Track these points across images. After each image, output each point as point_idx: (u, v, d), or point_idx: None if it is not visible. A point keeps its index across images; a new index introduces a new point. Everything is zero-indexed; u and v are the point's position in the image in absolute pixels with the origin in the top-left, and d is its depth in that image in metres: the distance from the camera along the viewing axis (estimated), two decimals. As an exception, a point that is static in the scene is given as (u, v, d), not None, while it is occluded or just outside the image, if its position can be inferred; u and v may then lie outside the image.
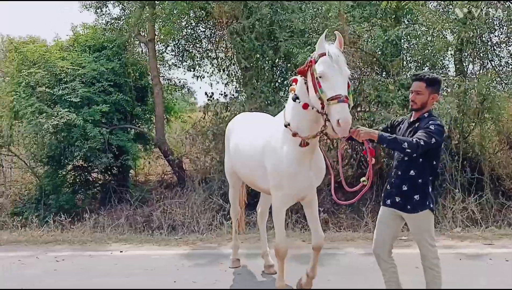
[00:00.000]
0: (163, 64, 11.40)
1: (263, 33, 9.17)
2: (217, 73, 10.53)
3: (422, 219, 3.64)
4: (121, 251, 5.92)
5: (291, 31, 9.03)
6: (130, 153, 9.33)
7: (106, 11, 10.43)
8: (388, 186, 3.84)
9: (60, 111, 8.47)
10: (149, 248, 6.09)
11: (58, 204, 9.17)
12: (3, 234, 7.18)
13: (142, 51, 10.66)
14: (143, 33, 10.14)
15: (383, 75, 8.63)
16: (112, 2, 10.39)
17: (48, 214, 8.89)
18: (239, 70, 10.02)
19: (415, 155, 3.51)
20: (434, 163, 3.62)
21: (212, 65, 10.52)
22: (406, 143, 3.42)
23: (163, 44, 11.00)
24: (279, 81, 9.56)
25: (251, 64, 9.55)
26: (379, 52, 8.63)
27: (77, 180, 10.09)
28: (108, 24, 10.35)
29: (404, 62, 9.30)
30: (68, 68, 9.07)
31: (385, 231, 3.79)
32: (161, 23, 10.49)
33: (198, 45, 10.77)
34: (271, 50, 9.02)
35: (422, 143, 3.40)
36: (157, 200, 8.86)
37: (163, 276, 4.93)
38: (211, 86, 10.47)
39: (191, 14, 10.34)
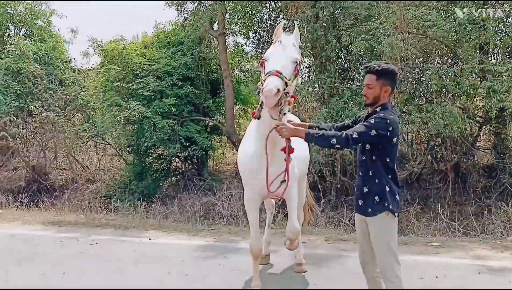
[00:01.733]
0: (242, 57, 11.71)
1: (327, 22, 8.91)
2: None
3: (380, 222, 3.27)
4: (150, 239, 6.29)
5: (355, 18, 8.57)
6: (199, 143, 9.75)
7: (185, 7, 10.96)
8: (355, 189, 3.60)
9: (133, 104, 9.22)
10: (178, 237, 6.36)
11: (141, 190, 10.06)
12: (75, 216, 8.06)
13: (215, 45, 10.98)
14: (217, 27, 10.43)
15: (453, 63, 7.74)
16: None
17: (132, 199, 9.79)
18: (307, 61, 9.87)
19: (348, 148, 3.42)
20: (388, 160, 3.28)
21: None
22: (334, 139, 3.23)
23: (244, 36, 11.30)
24: (342, 71, 9.13)
25: (316, 54, 9.37)
26: (452, 37, 7.67)
27: (160, 168, 10.90)
28: (186, 20, 10.87)
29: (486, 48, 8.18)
30: (144, 64, 9.82)
31: (361, 239, 3.49)
32: (237, 17, 10.83)
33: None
34: (334, 39, 8.69)
35: (354, 136, 3.18)
36: (225, 189, 9.12)
37: (163, 265, 5.11)
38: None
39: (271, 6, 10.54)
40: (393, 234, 3.31)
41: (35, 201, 10.49)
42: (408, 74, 7.96)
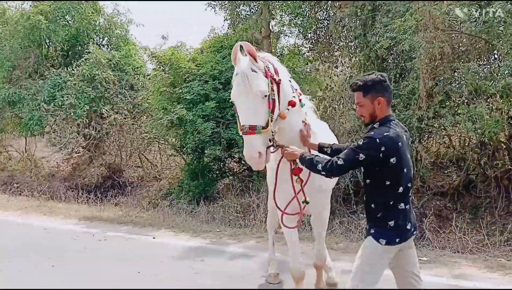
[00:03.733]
0: (299, 59, 11.65)
1: (366, 20, 8.58)
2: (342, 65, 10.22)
3: (364, 244, 3.09)
4: (153, 238, 6.64)
5: (392, 15, 8.11)
6: (239, 145, 9.93)
7: (236, 12, 11.20)
8: None
9: (176, 108, 9.72)
10: (180, 237, 6.64)
11: (195, 189, 10.55)
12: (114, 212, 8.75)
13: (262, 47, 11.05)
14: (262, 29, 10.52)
15: (488, 61, 7.01)
16: (242, 2, 11.11)
17: (187, 197, 10.33)
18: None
19: (336, 176, 3.24)
20: (388, 183, 2.95)
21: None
22: (320, 165, 3.04)
23: (302, 37, 11.27)
24: (382, 71, 8.65)
25: (357, 54, 9.08)
26: (489, 32, 6.97)
27: (215, 168, 11.28)
28: (237, 24, 11.11)
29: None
30: (193, 69, 10.27)
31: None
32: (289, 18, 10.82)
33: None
34: (373, 37, 8.32)
35: (339, 162, 2.94)
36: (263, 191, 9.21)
37: (139, 264, 5.45)
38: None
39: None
40: (367, 263, 3.02)
41: (106, 197, 11.55)
42: (442, 73, 7.34)
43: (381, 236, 2.96)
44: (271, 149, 3.26)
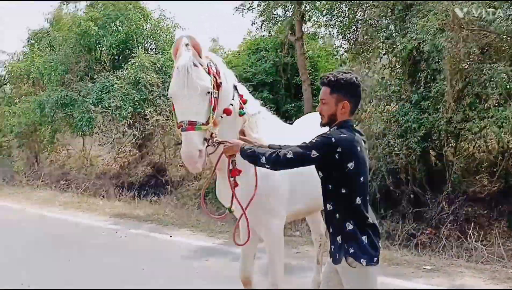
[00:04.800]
0: (336, 60, 11.53)
1: (396, 20, 8.38)
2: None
3: (345, 274, 2.64)
4: (170, 236, 6.85)
5: (423, 15, 7.85)
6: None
7: (271, 14, 11.24)
8: None
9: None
10: (196, 237, 6.83)
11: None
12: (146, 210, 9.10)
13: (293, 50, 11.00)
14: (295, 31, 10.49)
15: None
16: (278, 3, 11.14)
17: None
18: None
19: (286, 168, 2.76)
20: (344, 191, 2.63)
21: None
22: (263, 157, 2.69)
23: (341, 37, 11.14)
24: (412, 72, 8.39)
25: (388, 55, 8.89)
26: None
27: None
28: (272, 26, 11.16)
29: None
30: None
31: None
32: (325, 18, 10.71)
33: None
34: (400, 38, 8.10)
35: (288, 155, 2.59)
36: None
37: (147, 262, 5.66)
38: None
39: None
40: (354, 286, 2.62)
41: (147, 195, 12.03)
42: (470, 75, 7.03)
43: (361, 256, 2.57)
44: (209, 149, 2.98)
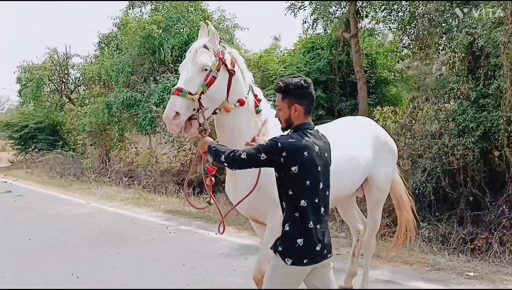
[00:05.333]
0: (395, 56, 11.18)
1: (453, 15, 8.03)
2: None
3: (272, 261, 2.81)
4: (215, 233, 6.97)
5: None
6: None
7: (326, 11, 11.09)
8: None
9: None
10: (240, 235, 6.93)
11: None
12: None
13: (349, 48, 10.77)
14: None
15: None
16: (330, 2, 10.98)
17: None
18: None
19: (241, 168, 2.88)
20: (291, 193, 2.74)
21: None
22: (223, 156, 2.84)
23: (401, 32, 10.81)
24: (471, 69, 7.95)
25: (446, 51, 8.52)
26: None
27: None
28: (326, 24, 11.01)
29: None
30: (280, 71, 10.51)
31: None
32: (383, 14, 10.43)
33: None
34: (456, 33, 7.73)
35: (242, 156, 2.75)
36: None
37: (189, 258, 5.85)
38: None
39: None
40: (275, 280, 2.77)
41: (205, 192, 12.37)
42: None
43: (289, 255, 2.70)
44: (197, 124, 3.12)
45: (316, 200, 2.74)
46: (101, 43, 18.60)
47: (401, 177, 4.80)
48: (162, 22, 14.64)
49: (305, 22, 10.75)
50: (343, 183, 3.79)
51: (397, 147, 9.31)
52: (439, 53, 8.70)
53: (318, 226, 2.73)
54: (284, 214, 2.79)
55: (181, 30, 15.12)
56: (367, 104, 10.25)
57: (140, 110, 14.08)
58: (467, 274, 4.88)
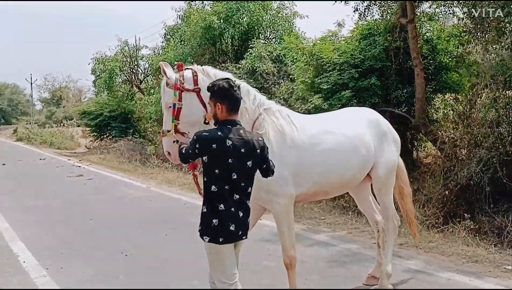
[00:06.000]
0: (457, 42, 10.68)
1: None
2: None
3: (204, 245, 3.19)
4: (260, 219, 7.14)
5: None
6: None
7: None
8: None
9: (313, 97, 10.04)
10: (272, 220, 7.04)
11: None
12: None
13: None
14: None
15: None
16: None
17: None
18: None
19: (184, 161, 3.35)
20: (205, 180, 3.15)
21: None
22: (179, 152, 3.39)
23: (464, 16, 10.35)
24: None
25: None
26: None
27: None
28: (383, 10, 10.73)
29: None
30: (334, 58, 10.42)
31: None
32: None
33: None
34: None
35: (183, 151, 3.28)
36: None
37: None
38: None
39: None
40: (211, 260, 3.16)
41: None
42: None
43: (206, 233, 3.12)
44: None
45: (227, 187, 3.10)
46: (167, 34, 19.35)
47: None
48: (222, 12, 14.97)
49: (356, 9, 10.51)
50: (323, 156, 3.98)
51: (454, 136, 9.02)
52: (500, 38, 8.21)
53: (232, 209, 3.10)
54: (203, 198, 3.19)
55: (241, 20, 15.36)
56: (425, 91, 9.89)
57: (200, 99, 14.53)
58: (505, 268, 4.68)
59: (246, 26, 15.28)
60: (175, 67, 3.82)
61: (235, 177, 3.10)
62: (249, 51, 14.31)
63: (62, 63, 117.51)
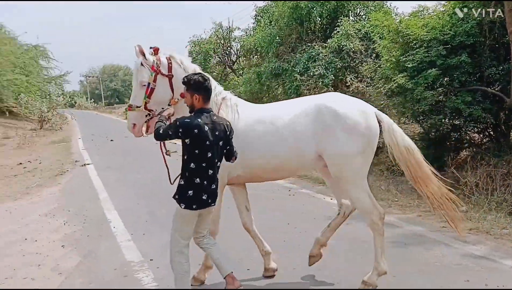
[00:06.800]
0: None
1: None
2: None
3: (175, 209, 3.91)
4: (331, 199, 7.20)
5: None
6: (464, 115, 9.23)
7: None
8: None
9: (396, 77, 9.74)
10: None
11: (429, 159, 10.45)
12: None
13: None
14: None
15: None
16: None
17: None
18: None
19: (160, 140, 3.92)
20: (185, 158, 3.76)
21: None
22: (155, 129, 3.85)
23: None
24: None
25: None
26: None
27: (452, 138, 10.72)
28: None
29: None
30: (419, 35, 9.97)
31: None
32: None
33: None
34: None
35: (160, 131, 3.76)
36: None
37: (296, 219, 6.15)
38: None
39: None
40: (177, 220, 3.90)
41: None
42: None
43: (182, 201, 3.77)
44: (154, 123, 4.10)
45: (204, 164, 3.74)
46: (257, 16, 19.66)
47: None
48: (310, -9, 14.85)
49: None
50: (253, 143, 4.29)
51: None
52: None
53: (205, 182, 3.76)
54: (181, 172, 3.82)
55: (329, -1, 15.13)
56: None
57: (286, 78, 14.70)
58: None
59: (335, 3, 15.02)
60: (152, 50, 4.25)
61: (210, 155, 3.74)
62: (336, 29, 14.11)
63: (166, 44, 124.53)
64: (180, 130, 3.67)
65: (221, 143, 3.79)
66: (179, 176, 3.87)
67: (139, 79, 4.18)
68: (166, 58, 4.27)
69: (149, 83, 4.15)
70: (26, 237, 6.60)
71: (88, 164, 13.31)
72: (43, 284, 4.90)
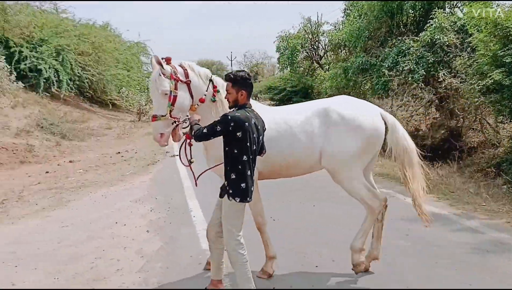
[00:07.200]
0: None
1: None
2: None
3: (225, 205, 3.96)
4: (404, 198, 6.93)
5: None
6: None
7: None
8: None
9: (493, 72, 9.11)
10: (437, 204, 6.66)
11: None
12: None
13: None
14: None
15: None
16: None
17: None
18: None
19: (203, 140, 3.98)
20: (236, 151, 3.82)
21: None
22: (194, 132, 3.97)
23: None
24: None
25: None
26: None
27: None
28: None
29: None
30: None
31: (217, 211, 4.25)
32: None
33: None
34: None
35: (204, 131, 3.85)
36: None
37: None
38: None
39: None
40: (231, 215, 3.94)
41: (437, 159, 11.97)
42: None
43: (236, 195, 3.84)
44: (184, 125, 4.31)
45: (251, 156, 3.87)
46: (347, 9, 19.29)
47: None
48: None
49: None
50: (271, 141, 4.47)
51: None
52: None
53: (253, 174, 3.91)
54: (229, 167, 3.87)
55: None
56: None
57: (374, 74, 14.30)
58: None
59: (429, -4, 14.29)
60: (164, 60, 4.31)
61: (254, 148, 3.88)
62: (429, 22, 13.42)
63: (258, 40, 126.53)
64: (232, 124, 3.76)
65: (261, 137, 3.97)
66: (196, 177, 4.24)
67: (160, 89, 4.24)
68: (179, 65, 4.45)
69: (171, 91, 4.26)
70: (117, 221, 7.17)
71: (177, 155, 13.98)
72: (127, 265, 5.32)
